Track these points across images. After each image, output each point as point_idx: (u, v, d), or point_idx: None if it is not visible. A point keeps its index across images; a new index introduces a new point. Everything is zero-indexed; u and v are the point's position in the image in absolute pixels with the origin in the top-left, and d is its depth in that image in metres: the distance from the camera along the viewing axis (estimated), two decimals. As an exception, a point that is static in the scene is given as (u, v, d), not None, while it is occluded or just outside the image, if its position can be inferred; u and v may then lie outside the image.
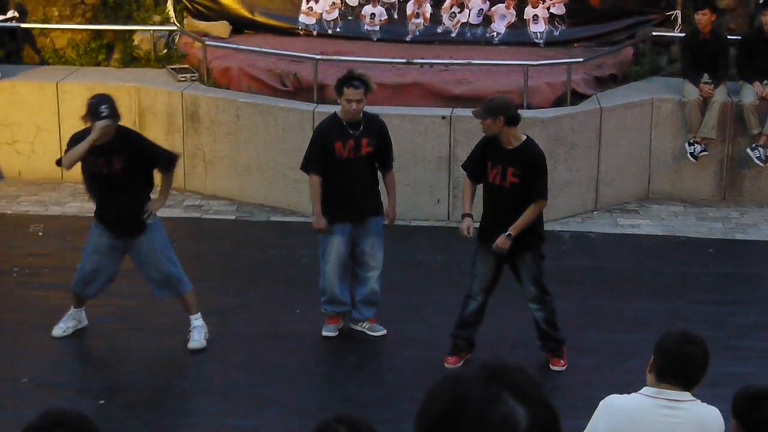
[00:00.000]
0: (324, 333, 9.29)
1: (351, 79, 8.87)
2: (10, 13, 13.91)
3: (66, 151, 8.81)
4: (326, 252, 9.07)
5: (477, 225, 8.63)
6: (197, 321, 9.12)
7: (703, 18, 12.17)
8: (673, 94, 12.32)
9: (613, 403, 5.04)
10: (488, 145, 8.43)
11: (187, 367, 8.94)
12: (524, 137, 8.41)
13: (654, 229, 11.71)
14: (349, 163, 8.89)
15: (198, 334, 9.10)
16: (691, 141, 12.14)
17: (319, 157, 8.94)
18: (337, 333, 9.31)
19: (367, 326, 9.31)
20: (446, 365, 8.67)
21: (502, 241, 8.30)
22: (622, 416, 4.97)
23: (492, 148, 8.38)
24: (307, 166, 9.08)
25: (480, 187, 8.60)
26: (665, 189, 12.44)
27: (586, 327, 9.45)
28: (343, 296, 9.18)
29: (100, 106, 8.50)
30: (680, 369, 4.95)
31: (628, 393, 5.05)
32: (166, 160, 8.86)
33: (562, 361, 8.75)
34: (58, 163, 8.90)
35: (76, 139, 8.72)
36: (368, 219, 9.04)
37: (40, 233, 11.55)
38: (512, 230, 8.27)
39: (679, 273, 10.73)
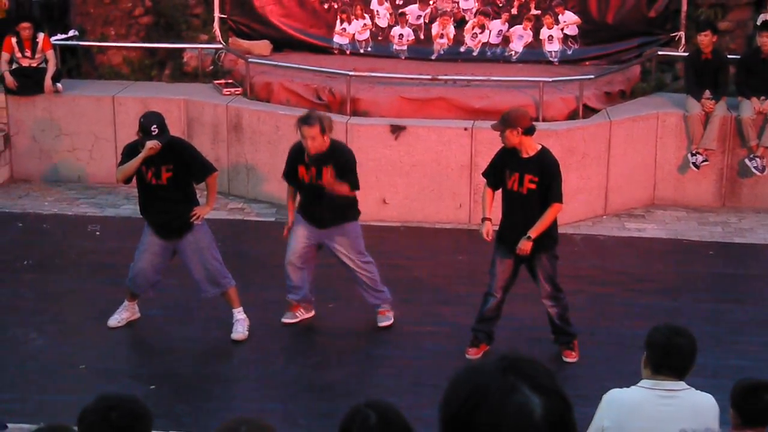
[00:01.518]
0: (284, 320, 9.36)
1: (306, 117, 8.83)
2: (72, 32, 14.00)
3: (120, 162, 8.87)
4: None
5: (496, 228, 8.61)
6: (239, 314, 9.15)
7: (705, 39, 12.12)
8: (677, 108, 12.26)
9: (614, 398, 5.01)
10: (506, 155, 8.41)
11: (230, 356, 8.96)
12: (539, 147, 8.38)
13: (659, 232, 11.65)
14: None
15: (240, 326, 9.12)
16: (694, 152, 12.09)
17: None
18: (296, 320, 9.36)
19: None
20: (467, 356, 8.66)
21: (523, 244, 8.27)
22: (624, 409, 4.95)
23: (510, 157, 8.36)
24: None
25: (498, 194, 8.58)
26: (669, 196, 12.38)
27: (596, 322, 9.41)
28: (300, 284, 9.24)
29: (150, 126, 8.56)
30: (673, 360, 4.92)
31: (635, 382, 5.03)
32: (200, 173, 8.88)
33: (574, 353, 8.72)
34: None
35: (129, 149, 8.79)
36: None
37: (97, 233, 11.61)
38: (531, 233, 8.24)
39: (681, 273, 10.68)
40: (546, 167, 8.27)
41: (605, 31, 13.36)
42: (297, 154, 8.96)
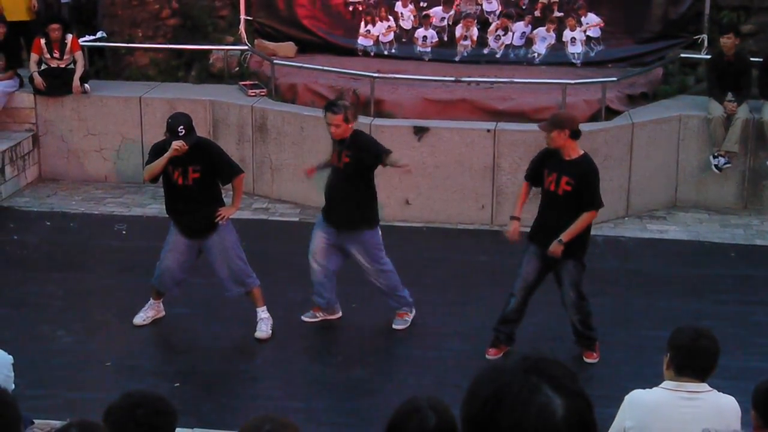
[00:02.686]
0: (303, 317, 9.41)
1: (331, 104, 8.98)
2: (100, 34, 14.05)
3: (147, 162, 8.89)
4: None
5: (523, 229, 8.59)
6: (263, 313, 9.16)
7: (728, 41, 12.07)
8: (700, 111, 12.20)
9: (637, 399, 4.98)
10: (548, 155, 8.41)
11: (254, 355, 8.98)
12: (582, 151, 8.36)
13: (680, 234, 11.60)
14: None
15: (264, 325, 9.14)
16: (716, 154, 12.03)
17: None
18: (316, 319, 9.41)
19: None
20: (487, 356, 8.64)
21: (554, 247, 8.24)
22: (647, 410, 4.92)
23: (551, 157, 8.35)
24: None
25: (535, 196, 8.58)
26: (691, 198, 12.32)
27: (617, 323, 9.38)
28: (325, 291, 9.28)
29: (178, 126, 8.59)
30: (696, 362, 4.89)
31: (657, 384, 5.00)
32: (227, 175, 8.91)
33: (595, 354, 8.69)
34: None
35: (156, 149, 8.81)
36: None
37: (124, 232, 11.65)
38: (564, 236, 8.21)
39: (703, 275, 10.62)
40: (584, 172, 8.24)
41: (628, 34, 13.32)
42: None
